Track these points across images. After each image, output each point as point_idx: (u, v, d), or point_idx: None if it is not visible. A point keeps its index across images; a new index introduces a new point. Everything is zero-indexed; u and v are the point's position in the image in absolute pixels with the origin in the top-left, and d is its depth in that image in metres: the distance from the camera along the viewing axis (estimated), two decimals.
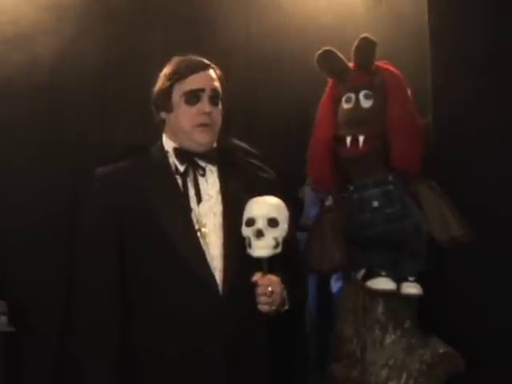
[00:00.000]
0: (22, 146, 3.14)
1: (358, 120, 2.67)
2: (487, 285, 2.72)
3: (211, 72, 2.50)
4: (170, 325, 2.33)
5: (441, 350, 2.67)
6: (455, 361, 2.67)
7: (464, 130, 2.81)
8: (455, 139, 2.81)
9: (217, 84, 2.49)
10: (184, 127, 2.46)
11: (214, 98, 2.47)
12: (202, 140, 2.45)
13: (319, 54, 2.71)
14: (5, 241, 3.09)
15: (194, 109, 2.45)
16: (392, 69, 2.73)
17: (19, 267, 3.07)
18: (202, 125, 2.44)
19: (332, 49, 2.71)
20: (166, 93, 2.48)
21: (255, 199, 2.41)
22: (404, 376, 2.65)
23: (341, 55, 2.71)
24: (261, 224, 2.36)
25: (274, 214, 2.38)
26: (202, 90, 2.46)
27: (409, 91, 2.71)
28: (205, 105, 2.44)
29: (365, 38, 2.66)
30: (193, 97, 2.45)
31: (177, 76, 2.47)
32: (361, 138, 2.65)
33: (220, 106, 2.49)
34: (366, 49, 2.67)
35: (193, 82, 2.46)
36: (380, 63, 2.72)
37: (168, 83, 2.48)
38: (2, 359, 2.90)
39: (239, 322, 2.33)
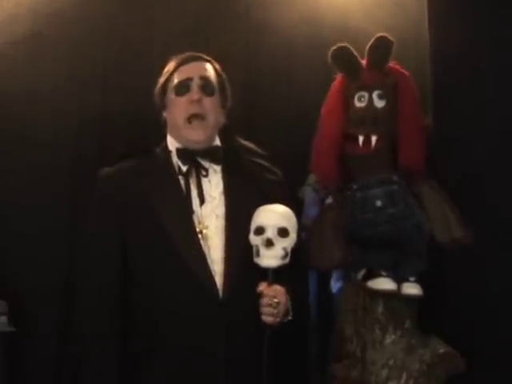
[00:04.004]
0: (21, 146, 3.14)
1: (373, 119, 2.66)
2: (487, 285, 2.72)
3: (203, 63, 2.51)
4: (169, 327, 2.33)
5: (441, 350, 2.67)
6: (455, 361, 2.67)
7: (464, 129, 2.81)
8: (455, 139, 2.81)
9: (208, 73, 2.49)
10: (177, 120, 2.46)
11: (204, 86, 2.45)
12: (193, 136, 2.43)
13: (334, 50, 2.68)
14: (5, 241, 3.08)
15: (184, 99, 2.44)
16: (403, 70, 2.73)
17: (19, 267, 3.07)
18: (193, 116, 2.42)
19: (347, 45, 2.68)
20: (162, 90, 2.51)
21: (264, 207, 2.38)
22: (404, 376, 2.65)
23: (355, 52, 2.69)
24: (271, 233, 2.34)
25: (284, 224, 2.36)
26: (191, 79, 2.45)
27: (417, 93, 2.71)
28: (193, 93, 2.43)
29: (381, 38, 2.64)
30: (182, 87, 2.45)
31: (169, 72, 2.49)
32: (373, 138, 2.65)
33: (216, 96, 2.48)
34: (382, 49, 2.65)
35: (181, 74, 2.48)
36: (391, 64, 2.71)
37: (163, 80, 2.51)
38: (2, 359, 2.90)
39: (239, 325, 2.33)
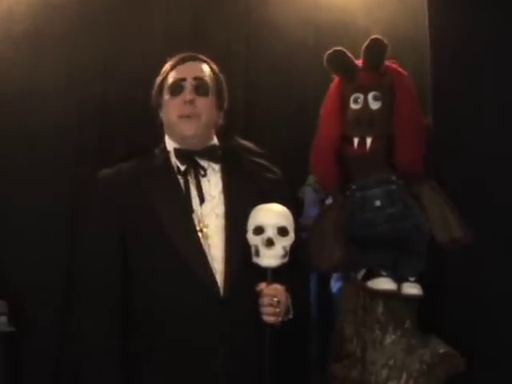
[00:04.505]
0: (22, 146, 3.14)
1: (367, 122, 2.65)
2: (487, 285, 2.71)
3: (199, 63, 2.50)
4: (170, 326, 2.33)
5: (441, 350, 2.67)
6: (455, 361, 2.67)
7: (463, 129, 2.81)
8: (455, 139, 2.81)
9: (202, 74, 2.48)
10: (171, 119, 2.47)
11: (198, 87, 2.45)
12: (185, 130, 2.44)
13: (329, 54, 2.69)
14: (5, 241, 3.09)
15: (178, 99, 2.44)
16: (400, 69, 2.72)
17: (19, 267, 3.07)
18: (185, 115, 2.42)
19: (342, 49, 2.69)
20: (159, 91, 2.52)
21: (261, 207, 2.38)
22: (404, 376, 2.65)
23: (350, 55, 2.69)
24: (271, 233, 2.33)
25: (284, 223, 2.36)
26: (184, 79, 2.45)
27: (415, 92, 2.71)
28: (186, 93, 2.43)
29: (376, 39, 2.64)
30: (176, 88, 2.45)
31: (165, 72, 2.49)
32: (368, 140, 2.65)
33: (210, 97, 2.47)
34: (377, 50, 2.64)
35: (176, 74, 2.48)
36: (388, 62, 2.71)
37: (159, 80, 2.51)
38: (2, 359, 2.91)
39: (240, 324, 2.33)
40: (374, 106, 2.68)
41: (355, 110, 2.69)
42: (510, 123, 2.74)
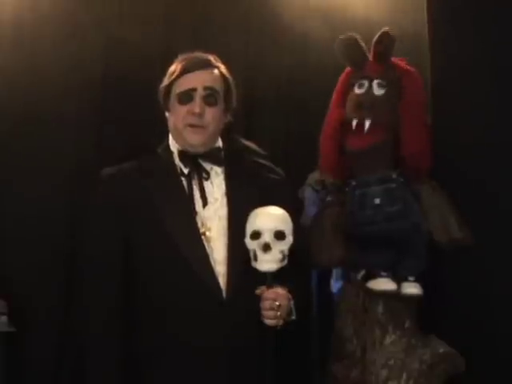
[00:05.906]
0: (22, 148, 3.14)
1: (368, 104, 2.66)
2: (487, 285, 2.71)
3: (210, 70, 2.46)
4: (172, 327, 2.33)
5: (441, 350, 2.67)
6: (455, 361, 2.67)
7: (464, 130, 2.80)
8: (455, 139, 2.80)
9: (213, 83, 2.44)
10: (177, 127, 2.44)
11: (208, 97, 2.42)
12: (192, 140, 2.42)
13: (341, 39, 2.71)
14: (5, 241, 3.09)
15: (186, 108, 2.42)
16: (408, 66, 2.75)
17: (19, 267, 3.07)
18: (192, 125, 2.41)
19: (355, 36, 2.70)
20: (166, 92, 2.48)
21: (259, 211, 2.36)
22: (404, 376, 2.65)
23: (362, 44, 2.71)
24: (268, 237, 2.31)
25: (281, 227, 2.33)
26: (194, 90, 2.41)
27: (423, 88, 2.74)
28: (195, 105, 2.41)
29: (384, 33, 2.66)
30: (185, 97, 2.42)
31: (174, 75, 2.46)
32: (367, 122, 2.64)
33: (219, 106, 2.45)
34: (385, 43, 2.67)
35: (185, 82, 2.43)
36: (399, 61, 2.74)
37: (167, 82, 2.47)
38: (2, 359, 2.91)
39: (242, 325, 2.33)
40: (378, 92, 2.68)
41: (358, 94, 2.70)
42: (510, 122, 2.73)
